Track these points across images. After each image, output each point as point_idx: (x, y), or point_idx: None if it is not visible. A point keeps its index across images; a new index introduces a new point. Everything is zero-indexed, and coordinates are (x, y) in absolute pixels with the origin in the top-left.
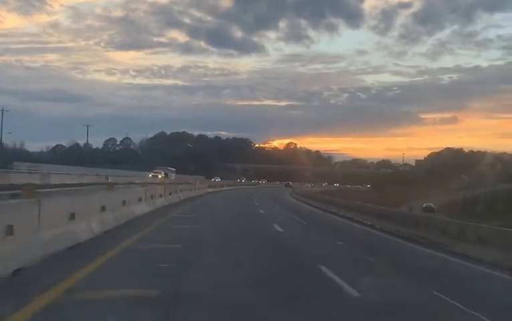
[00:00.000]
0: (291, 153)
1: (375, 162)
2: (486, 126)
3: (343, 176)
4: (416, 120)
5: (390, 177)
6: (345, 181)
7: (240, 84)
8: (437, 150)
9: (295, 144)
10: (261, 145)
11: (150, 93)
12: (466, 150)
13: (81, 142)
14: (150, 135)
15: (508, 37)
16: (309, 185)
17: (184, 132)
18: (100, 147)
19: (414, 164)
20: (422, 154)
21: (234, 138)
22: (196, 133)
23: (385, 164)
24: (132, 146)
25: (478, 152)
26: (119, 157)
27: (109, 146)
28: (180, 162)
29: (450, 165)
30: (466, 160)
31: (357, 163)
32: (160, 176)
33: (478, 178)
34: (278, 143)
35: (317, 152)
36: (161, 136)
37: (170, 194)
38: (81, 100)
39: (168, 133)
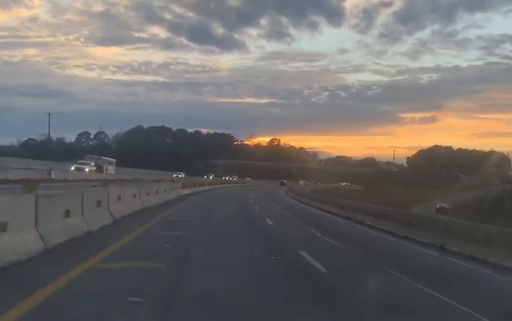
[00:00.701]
0: (276, 150)
1: (358, 160)
2: (464, 126)
3: (329, 174)
4: (395, 119)
5: (382, 176)
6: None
7: (222, 81)
8: (425, 148)
9: (279, 140)
10: (244, 141)
11: (131, 89)
12: (455, 148)
13: (55, 136)
14: (126, 129)
15: (488, 37)
16: (302, 183)
17: (162, 126)
18: (73, 141)
19: (397, 162)
20: (403, 153)
21: (215, 133)
22: (175, 127)
23: (369, 162)
24: (106, 140)
25: (467, 150)
26: (92, 152)
27: (83, 140)
28: (158, 157)
29: (441, 163)
30: (456, 158)
31: (341, 161)
32: (87, 170)
33: (483, 177)
34: (261, 140)
35: (302, 149)
36: (138, 131)
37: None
38: (60, 96)
39: (146, 127)
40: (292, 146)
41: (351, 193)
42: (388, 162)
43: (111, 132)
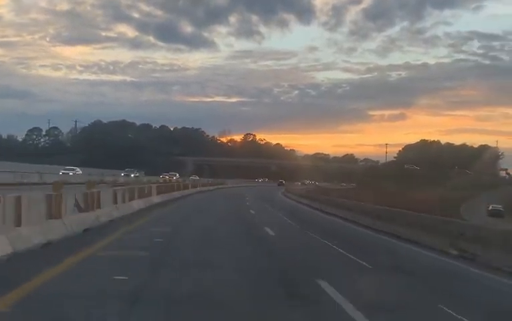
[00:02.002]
0: (252, 146)
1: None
2: (432, 123)
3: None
4: (364, 117)
5: (374, 173)
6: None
7: (191, 80)
8: (411, 143)
9: (254, 136)
10: (217, 137)
11: (98, 89)
12: (443, 142)
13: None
14: (84, 124)
15: (456, 34)
16: (299, 184)
17: (123, 120)
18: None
19: (376, 159)
20: (369, 150)
21: (184, 128)
22: (139, 122)
23: (349, 158)
24: (60, 137)
25: (454, 145)
26: (43, 150)
27: (34, 137)
28: (117, 154)
29: (433, 159)
30: (446, 153)
31: (320, 158)
32: None
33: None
34: (235, 136)
35: (279, 145)
36: (97, 126)
37: None
38: (26, 96)
39: (106, 121)
40: (268, 142)
41: (359, 195)
42: (366, 159)
43: (64, 126)
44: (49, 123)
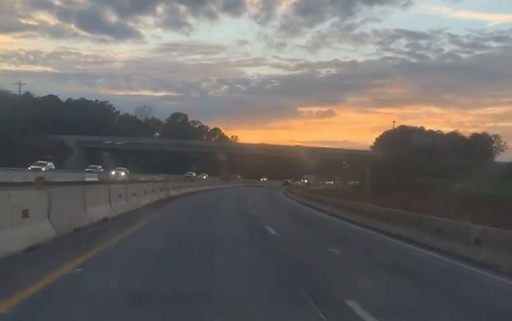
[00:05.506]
0: (182, 126)
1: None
2: (359, 120)
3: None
4: (294, 113)
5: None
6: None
7: (116, 73)
8: (388, 129)
9: (186, 115)
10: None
11: (18, 80)
12: (427, 129)
13: None
14: None
15: (383, 32)
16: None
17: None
18: None
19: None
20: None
21: (83, 100)
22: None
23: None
24: None
25: (439, 132)
26: None
27: None
28: None
29: (424, 149)
30: (430, 141)
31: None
32: None
33: None
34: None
35: (217, 129)
36: None
37: None
38: None
39: None
40: (204, 125)
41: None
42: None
43: None
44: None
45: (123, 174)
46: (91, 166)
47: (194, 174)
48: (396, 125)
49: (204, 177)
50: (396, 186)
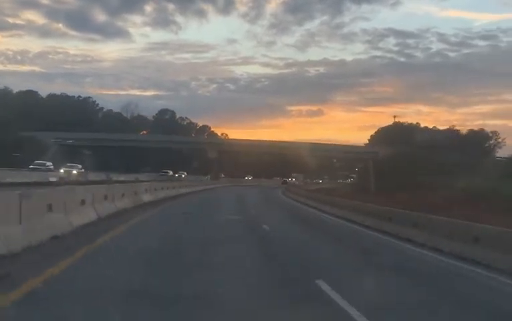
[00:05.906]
0: (170, 123)
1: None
2: (348, 119)
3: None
4: (283, 112)
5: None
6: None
7: (105, 72)
8: (383, 126)
9: (173, 111)
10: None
11: (5, 80)
12: (422, 125)
13: None
14: None
15: (372, 31)
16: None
17: None
18: None
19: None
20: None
21: (65, 96)
22: None
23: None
24: None
25: (436, 129)
26: None
27: None
28: None
29: (424, 145)
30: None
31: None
32: None
33: None
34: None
35: (206, 127)
36: None
37: None
38: None
39: None
40: (193, 122)
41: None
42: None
43: None
44: None
45: (75, 172)
46: (36, 162)
47: (171, 172)
48: (393, 122)
49: (183, 175)
50: (401, 185)
